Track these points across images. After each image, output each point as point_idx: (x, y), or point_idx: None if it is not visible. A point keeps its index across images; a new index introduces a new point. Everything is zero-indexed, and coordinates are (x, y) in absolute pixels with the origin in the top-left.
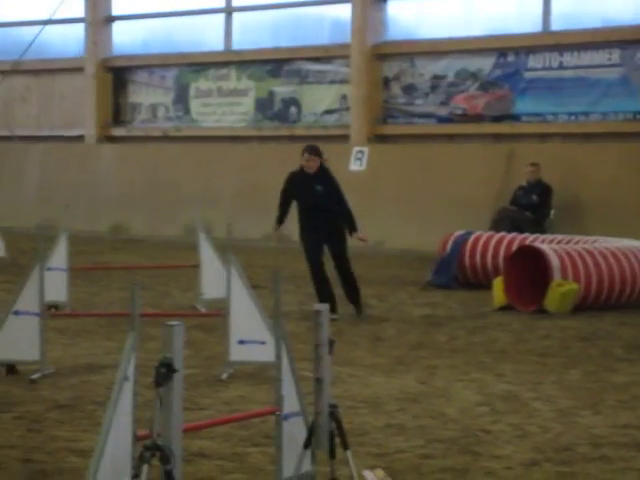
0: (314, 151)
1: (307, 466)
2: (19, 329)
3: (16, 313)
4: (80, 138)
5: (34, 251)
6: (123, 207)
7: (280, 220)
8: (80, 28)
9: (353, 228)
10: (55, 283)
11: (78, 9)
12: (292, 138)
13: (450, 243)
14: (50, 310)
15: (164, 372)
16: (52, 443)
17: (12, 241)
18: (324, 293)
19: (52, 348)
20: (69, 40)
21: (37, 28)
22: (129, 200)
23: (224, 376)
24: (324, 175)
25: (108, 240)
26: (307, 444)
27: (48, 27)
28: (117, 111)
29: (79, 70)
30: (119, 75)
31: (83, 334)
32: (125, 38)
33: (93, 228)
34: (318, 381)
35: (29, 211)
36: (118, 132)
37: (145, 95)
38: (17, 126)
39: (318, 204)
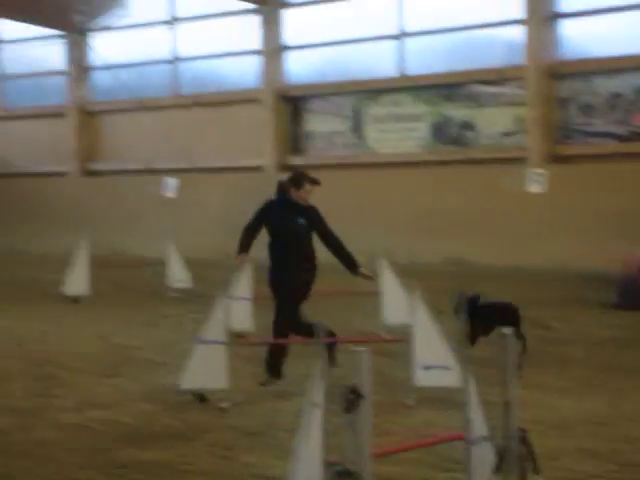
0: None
1: None
2: (206, 358)
3: (203, 342)
4: (258, 168)
5: (219, 281)
6: None
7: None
8: (255, 60)
9: (354, 265)
10: (240, 312)
11: (253, 41)
12: (467, 161)
13: (634, 263)
14: (237, 338)
15: (352, 398)
16: (243, 470)
17: (198, 272)
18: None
19: (240, 376)
20: (246, 71)
21: (215, 61)
22: None
23: (409, 402)
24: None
25: None
26: (497, 469)
27: (225, 60)
28: (294, 140)
29: (256, 101)
30: (295, 104)
31: None
32: (299, 67)
33: None
34: (507, 405)
35: (212, 241)
36: (295, 161)
37: (321, 123)
38: (198, 158)
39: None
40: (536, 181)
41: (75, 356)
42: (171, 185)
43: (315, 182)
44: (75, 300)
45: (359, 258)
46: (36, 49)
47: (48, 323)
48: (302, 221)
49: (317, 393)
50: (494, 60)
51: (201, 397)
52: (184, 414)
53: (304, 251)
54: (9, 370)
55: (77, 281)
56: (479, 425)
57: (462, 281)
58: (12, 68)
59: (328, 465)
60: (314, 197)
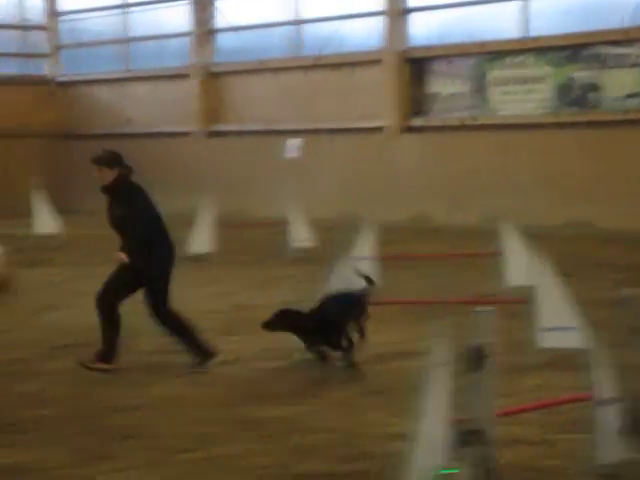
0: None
1: (624, 453)
2: None
3: None
4: (379, 129)
5: (340, 241)
6: (423, 196)
7: None
8: (378, 21)
9: None
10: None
11: (376, 2)
12: (591, 124)
13: None
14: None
15: (476, 358)
16: (368, 427)
17: (319, 233)
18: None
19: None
20: (368, 33)
21: (337, 23)
22: (429, 189)
23: (531, 362)
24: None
25: (409, 229)
26: (624, 430)
27: (347, 21)
28: (416, 102)
29: (378, 62)
30: (417, 66)
31: (392, 322)
32: (422, 29)
33: (393, 218)
34: (631, 367)
35: (334, 202)
36: (417, 122)
37: (443, 85)
38: (319, 119)
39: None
40: None
41: (199, 314)
42: (293, 146)
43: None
44: (198, 259)
45: (476, 220)
46: (161, 11)
47: (172, 281)
48: None
49: (442, 353)
50: (619, 20)
51: (323, 356)
52: (307, 372)
53: None
54: (135, 327)
55: (201, 241)
56: (604, 387)
57: (586, 245)
58: (138, 31)
59: (453, 424)
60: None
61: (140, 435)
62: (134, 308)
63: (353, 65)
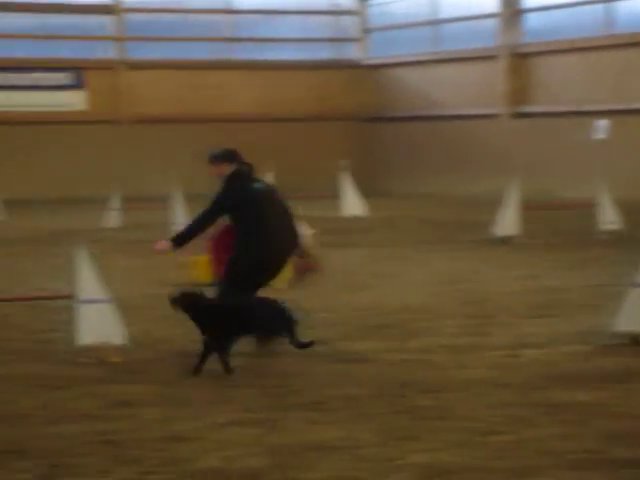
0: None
1: None
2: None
3: (637, 286)
4: None
5: None
6: None
7: None
8: None
9: None
10: None
11: None
12: None
13: None
14: None
15: None
16: None
17: (629, 215)
18: None
19: None
20: None
21: None
22: None
23: None
24: None
25: None
26: None
27: None
28: None
29: None
30: None
31: None
32: None
33: None
34: None
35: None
36: None
37: None
38: (631, 99)
39: None
40: None
41: (505, 296)
42: (601, 127)
43: None
44: (504, 241)
45: None
46: None
47: (478, 263)
48: None
49: None
50: None
51: (636, 340)
52: (617, 357)
53: None
54: (442, 309)
55: (507, 223)
56: None
57: None
58: (447, 12)
59: None
60: None
61: (448, 416)
62: (440, 290)
63: None
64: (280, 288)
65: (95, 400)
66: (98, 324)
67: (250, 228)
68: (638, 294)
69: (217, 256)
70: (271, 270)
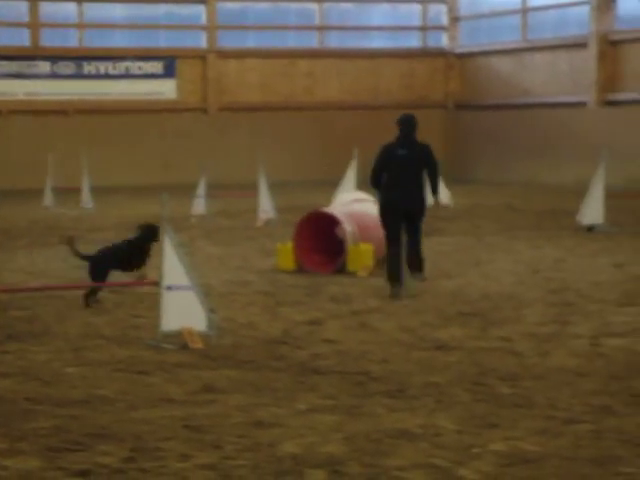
0: None
1: None
2: None
3: None
4: None
5: None
6: None
7: None
8: None
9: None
10: None
11: None
12: None
13: None
14: None
15: None
16: None
17: None
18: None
19: None
20: None
21: None
22: None
23: None
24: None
25: None
26: None
27: None
28: None
29: None
30: None
31: None
32: None
33: None
34: None
35: None
36: None
37: None
38: None
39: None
40: None
41: (589, 284)
42: None
43: None
44: (590, 229)
45: None
46: None
47: (563, 251)
48: None
49: None
50: None
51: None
52: None
53: None
54: (526, 297)
55: (593, 211)
56: None
57: None
58: (537, 0)
59: None
60: None
61: (527, 405)
62: (524, 278)
63: None
64: (362, 275)
65: (178, 386)
66: (183, 310)
67: None
68: None
69: (300, 244)
70: None
